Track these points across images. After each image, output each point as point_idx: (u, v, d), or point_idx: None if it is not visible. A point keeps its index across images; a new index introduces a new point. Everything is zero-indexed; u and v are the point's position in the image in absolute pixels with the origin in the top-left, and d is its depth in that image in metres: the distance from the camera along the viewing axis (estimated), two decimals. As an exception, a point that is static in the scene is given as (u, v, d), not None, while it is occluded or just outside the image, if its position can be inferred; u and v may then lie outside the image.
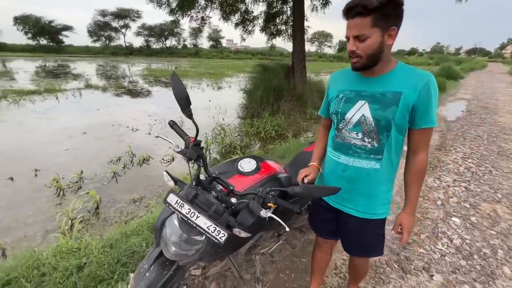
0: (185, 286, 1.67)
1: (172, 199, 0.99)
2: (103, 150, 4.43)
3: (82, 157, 4.17)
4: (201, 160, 1.12)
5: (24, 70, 18.10)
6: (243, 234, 1.08)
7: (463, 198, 2.78)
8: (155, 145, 4.68)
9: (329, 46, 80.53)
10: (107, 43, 57.53)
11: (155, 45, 61.02)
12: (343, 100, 1.07)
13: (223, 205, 1.08)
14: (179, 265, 1.17)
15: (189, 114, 1.06)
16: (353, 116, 1.04)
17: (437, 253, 2.00)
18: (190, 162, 1.11)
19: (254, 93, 7.13)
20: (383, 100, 0.98)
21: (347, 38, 0.94)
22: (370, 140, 1.03)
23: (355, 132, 1.05)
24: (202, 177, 1.14)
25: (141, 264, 1.18)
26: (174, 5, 7.34)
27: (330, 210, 1.22)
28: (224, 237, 0.96)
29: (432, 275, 1.79)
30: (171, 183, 1.11)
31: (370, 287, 1.69)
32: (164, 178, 1.13)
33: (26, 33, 50.60)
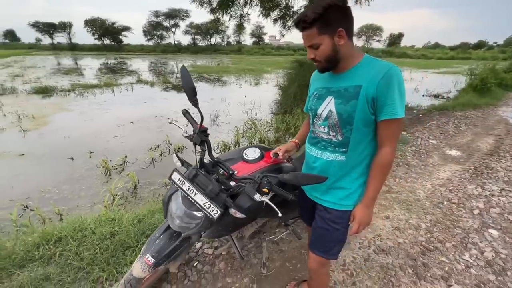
0: (197, 262, 1.85)
1: (175, 176, 1.13)
2: (145, 139, 4.92)
3: (127, 143, 4.70)
4: (206, 145, 1.24)
5: (90, 67, 20.68)
6: (238, 215, 1.18)
7: (508, 210, 2.46)
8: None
9: (378, 40, 75.06)
10: (159, 41, 62.27)
11: (201, 43, 64.13)
12: (316, 97, 1.12)
13: (222, 187, 1.19)
14: (185, 237, 1.32)
15: (195, 103, 1.18)
16: (322, 111, 1.08)
17: (462, 263, 1.84)
18: (196, 146, 1.24)
19: (288, 89, 7.12)
20: (345, 95, 1.00)
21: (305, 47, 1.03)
22: (334, 134, 1.07)
23: (323, 127, 1.10)
24: (207, 161, 1.27)
25: (153, 233, 1.37)
26: (214, 4, 7.65)
27: (307, 199, 1.25)
28: (217, 214, 1.07)
29: (451, 285, 1.67)
30: (179, 164, 1.26)
31: (377, 287, 1.65)
32: (174, 159, 1.28)
33: (93, 34, 57.58)
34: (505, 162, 3.55)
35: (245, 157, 1.40)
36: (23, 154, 4.15)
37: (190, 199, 1.11)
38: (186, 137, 1.25)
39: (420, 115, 6.27)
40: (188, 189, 1.11)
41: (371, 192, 1.04)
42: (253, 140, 4.85)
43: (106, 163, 3.69)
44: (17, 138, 4.93)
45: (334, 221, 1.12)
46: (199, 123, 1.25)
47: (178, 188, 1.14)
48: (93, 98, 8.66)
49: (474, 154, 3.87)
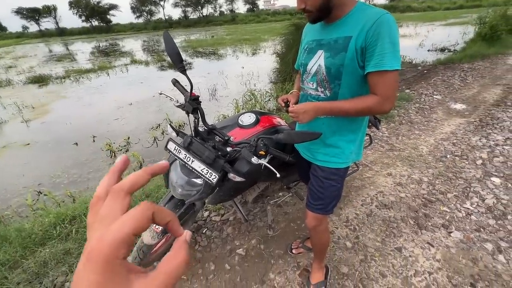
0: (206, 229, 1.93)
1: (171, 146, 1.14)
2: (146, 119, 4.92)
3: (128, 125, 4.72)
4: (198, 113, 1.23)
5: (82, 51, 20.10)
6: (238, 179, 1.19)
7: None
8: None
9: (381, -5, 70.09)
10: (149, 18, 59.45)
11: (193, 15, 60.97)
12: (306, 51, 1.06)
13: (219, 153, 1.19)
14: (189, 205, 1.37)
15: (182, 70, 1.14)
16: (312, 66, 1.04)
17: (462, 212, 1.88)
18: (189, 115, 1.23)
19: (286, 56, 6.85)
20: (334, 47, 0.95)
21: None
22: (322, 89, 1.03)
23: (311, 83, 1.06)
24: (201, 129, 1.26)
25: (158, 203, 1.41)
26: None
27: (303, 159, 1.26)
28: (216, 179, 1.09)
29: (451, 232, 1.72)
30: (174, 134, 1.25)
31: (380, 239, 1.72)
32: (168, 130, 1.28)
33: (80, 16, 55.10)
34: (512, 112, 3.46)
35: (240, 123, 1.39)
36: (28, 144, 4.22)
37: (188, 166, 1.12)
38: (178, 106, 1.24)
39: (425, 71, 6.03)
40: (185, 157, 1.12)
41: (331, 104, 0.97)
42: (253, 111, 4.80)
43: (110, 146, 3.73)
44: (20, 128, 4.98)
45: (328, 178, 1.14)
46: (189, 91, 1.22)
47: (175, 157, 1.15)
48: (89, 82, 8.53)
49: (480, 106, 3.78)
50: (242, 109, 4.95)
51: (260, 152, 1.12)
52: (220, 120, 4.58)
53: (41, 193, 2.89)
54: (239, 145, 1.22)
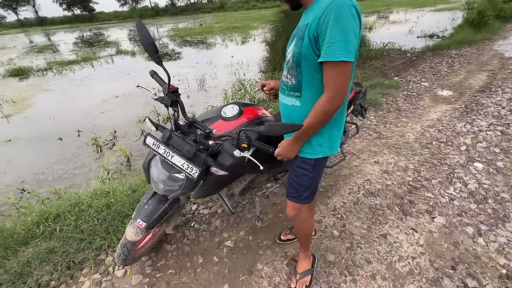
0: (194, 222, 1.92)
1: (149, 141, 1.10)
2: (132, 112, 4.80)
3: (115, 118, 4.60)
4: (178, 106, 1.19)
5: (64, 42, 19.28)
6: (220, 173, 1.17)
7: (494, 143, 2.51)
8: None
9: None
10: (134, 5, 57.21)
11: (180, 2, 59.01)
12: (290, 39, 1.05)
13: (201, 147, 1.16)
14: (173, 200, 1.35)
15: (158, 61, 1.09)
16: (288, 53, 1.04)
17: (446, 197, 1.93)
18: (168, 108, 1.18)
19: (275, 44, 6.74)
20: (297, 35, 0.95)
21: None
22: (290, 77, 1.04)
23: (285, 70, 1.08)
24: (182, 122, 1.22)
25: (141, 199, 1.39)
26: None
27: None
28: (196, 173, 1.07)
29: (434, 217, 1.77)
30: (153, 128, 1.21)
31: (366, 227, 1.75)
32: (147, 124, 1.23)
33: (60, 4, 52.53)
34: (496, 97, 3.53)
35: (223, 115, 1.35)
36: (9, 140, 4.07)
37: (168, 162, 1.09)
38: (156, 99, 1.19)
39: (414, 58, 6.05)
40: (164, 152, 1.09)
41: (301, 131, 0.98)
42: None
43: (96, 140, 3.64)
44: (1, 124, 4.79)
45: (299, 167, 1.14)
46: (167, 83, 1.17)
47: (155, 152, 1.12)
48: (73, 75, 8.23)
49: (466, 92, 3.83)
50: (232, 99, 4.88)
51: (242, 145, 1.10)
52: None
53: (24, 191, 2.82)
54: (221, 138, 1.19)
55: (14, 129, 4.51)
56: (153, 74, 1.27)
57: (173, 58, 9.97)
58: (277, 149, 1.10)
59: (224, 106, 1.41)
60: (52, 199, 2.66)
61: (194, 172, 1.07)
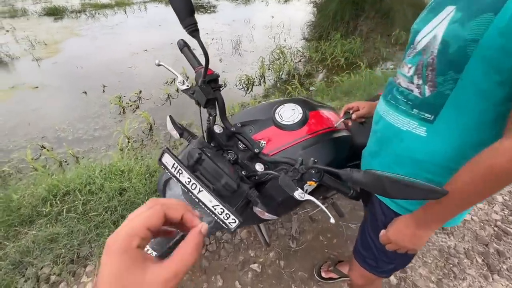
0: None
1: (168, 160, 0.71)
2: (160, 70, 4.39)
3: (141, 75, 4.27)
4: (216, 105, 0.77)
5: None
6: (267, 216, 0.78)
7: None
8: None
9: None
10: None
11: None
12: (428, 9, 0.59)
13: (243, 172, 0.76)
14: None
15: (191, 30, 0.64)
16: (424, 37, 0.57)
17: (552, 255, 1.43)
18: (200, 107, 0.77)
19: (326, 7, 5.77)
20: (475, 2, 0.47)
21: None
22: (420, 81, 0.57)
23: (409, 66, 0.60)
24: (218, 129, 0.81)
25: None
26: None
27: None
28: (235, 225, 0.68)
29: (534, 284, 1.30)
30: (175, 133, 0.82)
31: (435, 279, 1.34)
32: (167, 125, 0.84)
33: None
34: None
35: (278, 119, 0.91)
36: (37, 87, 3.94)
37: (193, 197, 0.71)
38: (184, 91, 0.78)
39: None
40: (189, 182, 0.70)
41: (435, 207, 0.58)
42: (281, 74, 4.16)
43: (120, 100, 3.37)
44: (31, 68, 4.67)
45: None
46: (203, 65, 0.74)
47: (174, 177, 0.74)
48: (105, 20, 7.86)
49: None
50: (268, 69, 4.30)
51: (309, 183, 0.70)
52: (241, 81, 4.00)
53: (44, 148, 2.67)
54: (276, 162, 0.77)
55: (43, 75, 4.36)
56: (183, 46, 0.84)
57: (208, 11, 9.16)
58: (386, 231, 0.68)
59: (280, 105, 0.96)
60: (69, 162, 2.49)
61: (231, 222, 0.68)
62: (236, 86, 3.97)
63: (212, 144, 0.79)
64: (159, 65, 0.82)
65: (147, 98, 3.60)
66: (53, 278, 1.35)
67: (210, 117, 0.75)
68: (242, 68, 4.47)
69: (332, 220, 0.70)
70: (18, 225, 1.52)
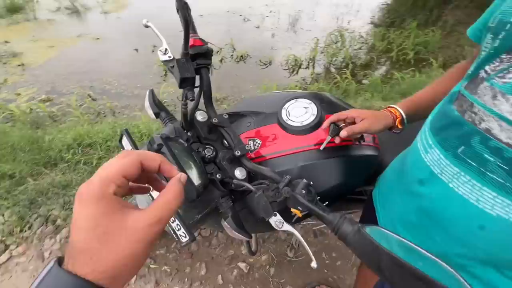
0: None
1: (126, 144, 0.59)
2: (210, 37, 4.34)
3: (214, 44, 4.25)
4: (201, 85, 0.63)
5: None
6: (236, 235, 0.63)
7: None
8: (258, 42, 4.21)
9: None
10: None
11: None
12: None
13: (218, 175, 0.62)
14: None
15: None
16: None
17: None
18: (180, 86, 0.62)
19: (408, -12, 4.91)
20: None
21: None
22: None
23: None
24: (201, 117, 0.66)
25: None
26: None
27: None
28: (185, 240, 0.54)
29: None
30: (150, 112, 0.70)
31: None
32: (145, 101, 0.72)
33: None
34: None
35: (284, 116, 0.72)
36: (98, 38, 4.22)
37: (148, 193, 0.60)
38: (165, 62, 0.64)
39: None
40: None
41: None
42: (333, 60, 3.74)
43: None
44: (98, 19, 5.01)
45: None
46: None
47: None
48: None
49: None
50: (321, 53, 3.90)
51: (293, 210, 0.54)
52: (288, 61, 3.71)
53: (90, 97, 2.87)
54: (261, 174, 0.60)
55: (106, 28, 4.65)
56: (182, 6, 0.69)
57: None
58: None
59: (291, 99, 0.76)
60: (107, 114, 2.63)
61: (182, 235, 0.55)
62: (282, 66, 3.70)
63: (189, 134, 0.65)
64: (146, 26, 0.68)
65: (190, 64, 3.58)
66: (58, 221, 1.44)
67: (187, 100, 0.60)
68: (293, 47, 4.14)
69: (314, 264, 0.54)
70: (42, 166, 1.64)
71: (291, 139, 0.69)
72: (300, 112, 0.72)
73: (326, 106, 0.73)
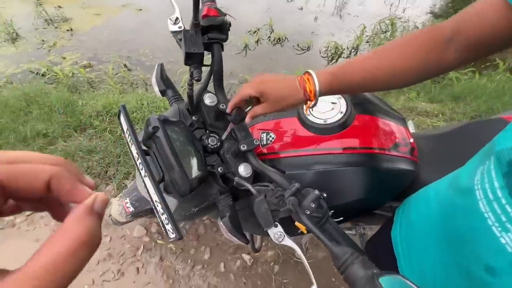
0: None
1: (123, 122, 0.54)
2: (247, 18, 4.18)
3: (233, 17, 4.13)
4: (212, 63, 0.56)
5: None
6: (231, 237, 0.57)
7: None
8: (298, 25, 3.96)
9: None
10: None
11: None
12: None
13: (220, 169, 0.55)
14: None
15: None
16: None
17: None
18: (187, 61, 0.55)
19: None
20: None
21: None
22: None
23: None
24: (209, 100, 0.59)
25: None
26: None
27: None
28: (172, 237, 0.49)
29: None
30: (157, 89, 0.64)
31: None
32: (153, 75, 0.66)
33: None
34: None
35: (305, 112, 0.62)
36: (140, 9, 4.28)
37: (140, 178, 0.55)
38: (173, 33, 0.58)
39: None
40: (137, 158, 0.52)
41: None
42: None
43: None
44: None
45: None
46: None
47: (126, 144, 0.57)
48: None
49: None
50: (366, 42, 3.57)
51: (298, 224, 0.46)
52: (328, 48, 3.44)
53: (126, 67, 2.95)
54: (267, 176, 0.52)
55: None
56: None
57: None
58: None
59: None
60: (139, 85, 2.69)
61: (171, 232, 0.49)
62: (320, 52, 3.46)
63: (194, 118, 0.58)
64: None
65: (225, 44, 3.49)
66: (81, 184, 1.51)
67: (193, 78, 0.53)
68: (336, 33, 3.84)
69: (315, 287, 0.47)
70: (73, 129, 1.72)
71: (310, 138, 0.59)
72: (326, 107, 0.61)
73: (359, 104, 0.61)
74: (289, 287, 1.19)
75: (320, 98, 0.63)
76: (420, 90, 2.39)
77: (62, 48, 3.25)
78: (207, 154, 0.56)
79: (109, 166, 1.56)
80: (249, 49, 3.43)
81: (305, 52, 3.48)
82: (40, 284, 0.13)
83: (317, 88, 0.47)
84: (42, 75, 2.68)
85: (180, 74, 2.69)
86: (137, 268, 1.23)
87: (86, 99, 1.97)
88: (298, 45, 3.52)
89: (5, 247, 1.25)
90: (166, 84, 0.65)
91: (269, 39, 3.63)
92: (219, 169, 0.55)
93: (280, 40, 3.58)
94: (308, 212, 0.44)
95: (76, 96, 2.04)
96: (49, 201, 0.18)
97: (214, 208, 0.62)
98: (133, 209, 0.90)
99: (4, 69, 2.85)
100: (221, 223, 0.56)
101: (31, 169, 0.15)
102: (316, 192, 0.46)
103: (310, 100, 0.49)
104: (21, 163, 0.15)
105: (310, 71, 0.49)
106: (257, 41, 3.55)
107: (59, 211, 0.19)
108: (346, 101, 0.60)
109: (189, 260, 1.25)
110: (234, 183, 0.54)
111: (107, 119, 1.78)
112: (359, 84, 0.47)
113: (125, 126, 0.51)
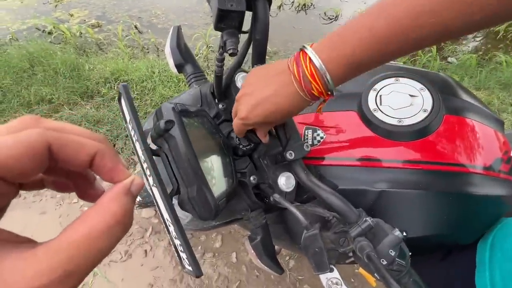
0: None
1: (125, 107, 0.39)
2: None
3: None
4: (253, 29, 0.38)
5: None
6: (261, 265, 0.45)
7: None
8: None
9: None
10: None
11: None
12: None
13: (253, 179, 0.41)
14: None
15: None
16: None
17: None
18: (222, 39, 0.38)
19: None
20: None
21: None
22: None
23: None
24: (240, 79, 0.43)
25: None
26: None
27: None
28: (189, 270, 0.37)
29: None
30: (171, 61, 0.48)
31: None
32: (167, 43, 0.50)
33: None
34: None
35: (370, 104, 0.45)
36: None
37: (146, 186, 0.41)
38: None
39: None
40: (143, 159, 0.38)
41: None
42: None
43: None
44: None
45: None
46: None
47: (129, 137, 0.43)
48: None
49: None
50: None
51: (362, 272, 0.32)
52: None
53: (136, 28, 2.72)
54: (317, 195, 0.38)
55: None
56: None
57: None
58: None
59: (389, 76, 0.47)
60: (150, 50, 2.50)
61: (187, 264, 0.37)
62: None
63: (221, 107, 0.43)
64: None
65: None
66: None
67: (224, 55, 0.36)
68: (369, 1, 3.41)
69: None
70: (79, 96, 1.59)
71: (377, 143, 0.43)
72: (402, 101, 0.44)
73: (451, 101, 0.44)
74: (304, 284, 1.12)
75: (393, 86, 0.46)
76: (464, 74, 2.11)
77: (69, 4, 3.01)
78: (236, 157, 0.42)
79: (117, 139, 1.46)
80: (270, 15, 3.11)
81: (332, 21, 3.12)
82: (73, 258, 0.13)
83: (331, 83, 0.32)
84: (49, 33, 2.50)
85: (195, 40, 2.46)
86: (145, 251, 1.17)
87: (93, 63, 1.82)
88: (325, 13, 3.16)
89: (9, 218, 1.20)
90: (184, 56, 0.48)
91: (293, 5, 3.26)
92: (251, 178, 0.41)
93: (305, 7, 3.22)
94: (385, 263, 0.31)
95: (83, 59, 1.88)
96: (79, 178, 0.18)
97: (240, 221, 0.49)
98: (140, 199, 0.79)
99: (10, 24, 2.69)
100: (250, 246, 0.43)
101: (80, 141, 0.15)
102: (397, 233, 0.31)
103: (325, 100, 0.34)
104: (69, 133, 0.15)
105: (308, 50, 0.33)
106: (279, 7, 3.20)
107: (86, 189, 0.18)
108: (431, 94, 0.43)
109: (199, 247, 1.18)
110: (271, 199, 0.40)
111: (116, 87, 1.64)
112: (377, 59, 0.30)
113: (127, 114, 0.36)
